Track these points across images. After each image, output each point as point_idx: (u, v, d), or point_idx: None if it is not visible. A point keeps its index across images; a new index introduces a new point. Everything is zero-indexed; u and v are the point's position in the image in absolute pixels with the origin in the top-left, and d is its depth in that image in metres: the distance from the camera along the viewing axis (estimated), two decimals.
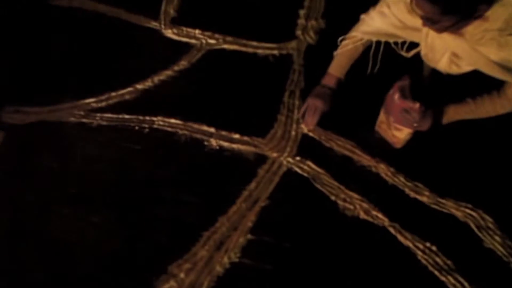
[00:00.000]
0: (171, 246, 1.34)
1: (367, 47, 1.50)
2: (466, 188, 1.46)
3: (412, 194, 1.46)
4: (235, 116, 1.74)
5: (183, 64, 1.97)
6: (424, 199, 1.45)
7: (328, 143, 1.63)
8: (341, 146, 1.61)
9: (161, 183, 1.51)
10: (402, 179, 1.50)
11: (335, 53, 1.58)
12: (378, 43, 1.46)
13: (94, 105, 1.79)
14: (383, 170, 1.53)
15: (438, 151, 1.54)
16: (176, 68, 1.96)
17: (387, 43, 1.43)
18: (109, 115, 1.75)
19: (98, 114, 1.75)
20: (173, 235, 1.37)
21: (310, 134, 1.66)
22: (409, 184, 1.49)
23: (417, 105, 1.43)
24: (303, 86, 1.85)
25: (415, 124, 1.43)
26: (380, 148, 1.59)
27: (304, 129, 1.64)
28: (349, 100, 1.72)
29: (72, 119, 1.74)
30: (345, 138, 1.63)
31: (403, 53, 1.42)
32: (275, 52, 2.03)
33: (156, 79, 1.90)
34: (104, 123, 1.72)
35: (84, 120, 1.73)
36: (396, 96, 1.47)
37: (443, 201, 1.44)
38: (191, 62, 1.99)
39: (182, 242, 1.34)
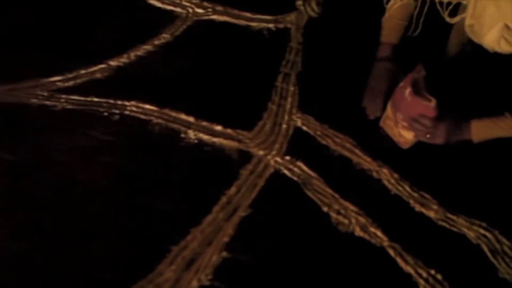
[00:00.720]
0: (133, 262, 1.15)
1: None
2: (481, 203, 1.25)
3: (417, 207, 1.25)
4: (220, 102, 1.52)
5: (164, 37, 1.73)
6: (431, 214, 1.24)
7: (324, 139, 1.41)
8: (339, 144, 1.39)
9: (128, 182, 1.31)
10: (407, 188, 1.29)
11: (383, 18, 1.37)
12: (423, 3, 1.26)
13: (60, 84, 1.57)
14: (386, 176, 1.32)
15: (451, 156, 1.31)
16: (156, 42, 1.72)
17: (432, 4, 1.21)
18: (76, 97, 1.53)
19: (64, 96, 1.53)
20: (136, 248, 1.18)
21: (304, 128, 1.43)
22: (415, 194, 1.28)
23: (432, 103, 1.20)
24: (300, 69, 1.61)
25: (427, 136, 1.20)
26: (384, 149, 1.37)
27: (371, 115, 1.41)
28: (350, 89, 1.49)
29: (34, 100, 1.52)
30: (344, 135, 1.41)
31: (446, 17, 1.21)
32: (271, 25, 1.77)
33: (133, 55, 1.67)
34: (70, 106, 1.50)
35: (47, 102, 1.51)
36: (408, 90, 1.24)
37: (453, 217, 1.23)
38: (174, 35, 1.74)
39: (146, 257, 1.16)
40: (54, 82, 1.58)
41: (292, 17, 1.80)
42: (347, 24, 1.72)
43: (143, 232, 1.21)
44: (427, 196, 1.27)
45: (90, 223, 1.23)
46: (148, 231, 1.21)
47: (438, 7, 1.21)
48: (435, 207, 1.25)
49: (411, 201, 1.27)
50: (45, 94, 1.54)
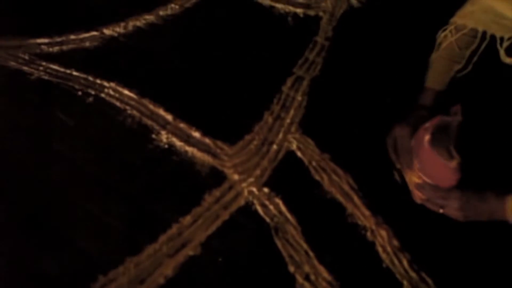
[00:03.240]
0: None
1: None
2: None
3: None
4: (208, 100, 1.27)
5: (172, 8, 1.48)
6: None
7: (319, 174, 1.12)
8: (335, 183, 1.10)
9: (73, 181, 1.12)
10: (405, 263, 0.99)
11: (431, 56, 1.08)
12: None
13: (45, 48, 1.39)
14: (382, 240, 1.02)
15: (472, 233, 0.98)
16: (161, 12, 1.47)
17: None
18: (56, 67, 1.35)
19: (44, 63, 1.36)
20: (67, 271, 1.00)
21: (299, 154, 1.15)
22: (412, 274, 0.98)
23: (453, 163, 0.87)
24: (317, 73, 1.30)
25: (440, 209, 0.89)
26: (389, 201, 1.07)
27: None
28: (370, 116, 1.17)
29: (12, 63, 1.36)
30: (344, 172, 1.11)
31: (503, 57, 0.95)
32: (299, 11, 1.45)
33: (131, 24, 1.44)
34: (46, 77, 1.33)
35: (24, 68, 1.35)
36: (426, 138, 0.91)
37: None
38: (184, 6, 1.48)
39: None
40: (39, 44, 1.40)
41: (328, 3, 1.46)
42: (393, 26, 1.35)
43: (74, 254, 1.02)
44: (428, 281, 0.97)
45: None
46: (80, 254, 1.02)
47: (498, 45, 0.92)
48: None
49: (405, 283, 0.97)
50: (26, 57, 1.37)
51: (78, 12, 1.46)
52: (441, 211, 0.91)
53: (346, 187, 1.09)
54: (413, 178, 1.01)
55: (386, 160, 1.12)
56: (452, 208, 0.89)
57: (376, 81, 1.24)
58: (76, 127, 1.22)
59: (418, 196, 1.00)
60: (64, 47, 1.39)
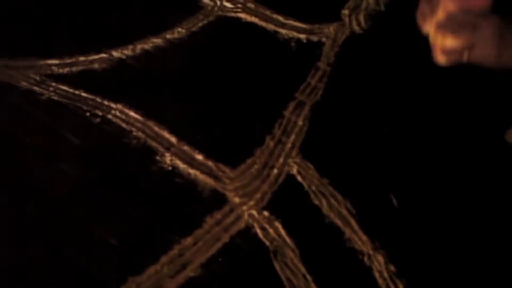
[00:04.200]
0: None
1: None
2: None
3: None
4: (212, 123, 1.30)
5: (179, 31, 1.53)
6: None
7: (318, 199, 1.14)
8: (334, 208, 1.13)
9: (77, 200, 1.15)
10: None
11: None
12: None
13: (55, 69, 1.44)
14: (379, 265, 1.04)
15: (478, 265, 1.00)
16: (169, 35, 1.52)
17: None
18: (66, 87, 1.39)
19: (54, 84, 1.40)
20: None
21: (299, 178, 1.18)
22: None
23: None
24: (318, 98, 1.34)
25: (466, 56, 0.59)
26: (386, 227, 1.09)
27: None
28: (370, 141, 1.20)
29: (24, 83, 1.41)
30: (344, 197, 1.14)
31: None
32: (303, 36, 1.49)
33: (139, 47, 1.49)
34: (56, 97, 1.37)
35: (35, 88, 1.39)
36: None
37: None
38: (191, 30, 1.53)
39: None
40: (50, 65, 1.45)
41: (331, 29, 1.50)
42: (393, 53, 1.39)
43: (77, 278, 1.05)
44: None
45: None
46: (78, 266, 1.05)
47: None
48: None
49: None
50: (37, 78, 1.42)
51: (87, 34, 1.51)
52: (466, 57, 0.66)
53: (345, 212, 1.12)
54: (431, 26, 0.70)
55: (384, 185, 1.15)
56: (484, 44, 0.64)
57: (375, 109, 1.27)
58: (82, 146, 1.26)
59: (440, 54, 0.69)
60: (74, 69, 1.44)
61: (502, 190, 1.13)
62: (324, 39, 1.48)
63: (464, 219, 1.09)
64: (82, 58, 1.46)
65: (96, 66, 1.44)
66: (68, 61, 1.45)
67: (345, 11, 1.53)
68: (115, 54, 1.47)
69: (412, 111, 1.20)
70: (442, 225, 1.10)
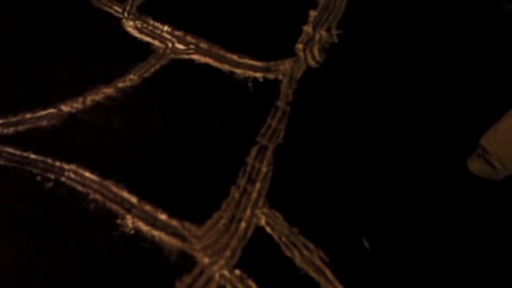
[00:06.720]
0: None
1: None
2: None
3: None
4: (173, 178, 1.25)
5: (131, 79, 1.46)
6: None
7: (290, 250, 1.11)
8: (307, 258, 1.10)
9: (39, 278, 1.07)
10: None
11: None
12: None
13: None
14: None
15: None
16: (120, 84, 1.45)
17: None
18: (12, 150, 1.30)
19: None
20: None
21: (268, 229, 1.15)
22: None
23: None
24: (281, 141, 1.31)
25: None
26: (363, 276, 1.07)
27: None
28: (338, 182, 1.18)
29: None
30: (316, 246, 1.11)
31: None
32: (259, 75, 1.47)
33: (89, 99, 1.41)
34: (1, 162, 1.28)
35: None
36: None
37: None
38: (142, 76, 1.47)
39: None
40: None
41: (287, 65, 1.49)
42: (354, 83, 1.39)
43: None
44: None
45: None
46: None
47: None
48: None
49: None
50: None
51: (33, 88, 1.42)
52: None
53: (318, 262, 1.09)
54: None
55: (354, 228, 1.13)
56: None
57: (338, 147, 1.26)
58: (36, 216, 1.18)
59: None
60: (20, 127, 1.35)
61: (472, 221, 1.14)
62: (280, 77, 1.46)
63: (436, 254, 1.09)
64: (28, 115, 1.37)
65: (44, 123, 1.36)
66: (13, 119, 1.36)
67: (299, 46, 1.52)
68: (65, 108, 1.39)
69: (376, 147, 1.19)
70: (415, 264, 1.09)
